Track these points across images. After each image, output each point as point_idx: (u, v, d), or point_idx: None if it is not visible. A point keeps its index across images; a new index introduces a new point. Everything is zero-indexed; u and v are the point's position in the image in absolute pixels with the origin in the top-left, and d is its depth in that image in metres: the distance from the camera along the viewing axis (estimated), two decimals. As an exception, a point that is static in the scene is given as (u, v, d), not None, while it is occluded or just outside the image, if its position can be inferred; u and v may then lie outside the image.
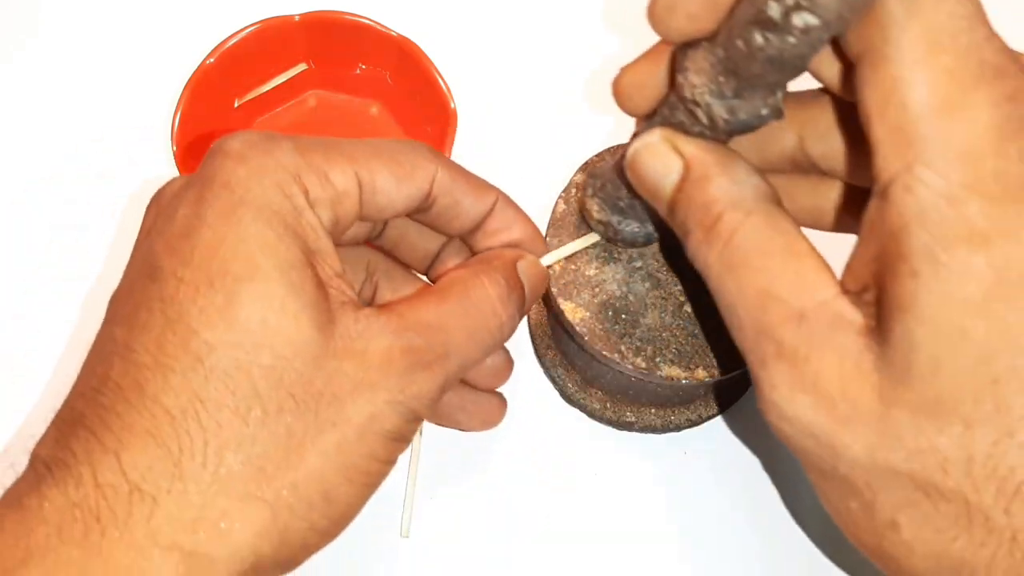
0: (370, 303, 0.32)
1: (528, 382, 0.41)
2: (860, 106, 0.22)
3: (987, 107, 0.20)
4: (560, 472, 0.39)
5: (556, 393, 0.41)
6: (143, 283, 0.24)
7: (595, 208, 0.32)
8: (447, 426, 0.34)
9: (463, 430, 0.34)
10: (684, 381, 0.33)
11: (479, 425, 0.34)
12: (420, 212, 0.29)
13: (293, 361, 0.23)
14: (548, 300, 0.34)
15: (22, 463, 0.24)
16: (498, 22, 0.49)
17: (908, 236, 0.21)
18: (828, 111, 0.27)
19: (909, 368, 0.21)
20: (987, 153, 0.20)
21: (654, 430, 0.40)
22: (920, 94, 0.20)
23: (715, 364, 0.33)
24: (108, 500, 0.22)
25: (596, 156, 0.36)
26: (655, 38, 0.25)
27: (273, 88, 0.45)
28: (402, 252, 0.32)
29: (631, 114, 0.28)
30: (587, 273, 0.34)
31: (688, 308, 0.34)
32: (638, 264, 0.34)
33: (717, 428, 0.40)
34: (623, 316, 0.33)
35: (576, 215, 0.35)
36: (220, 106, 0.43)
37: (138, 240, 0.26)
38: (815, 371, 0.23)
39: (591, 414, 0.40)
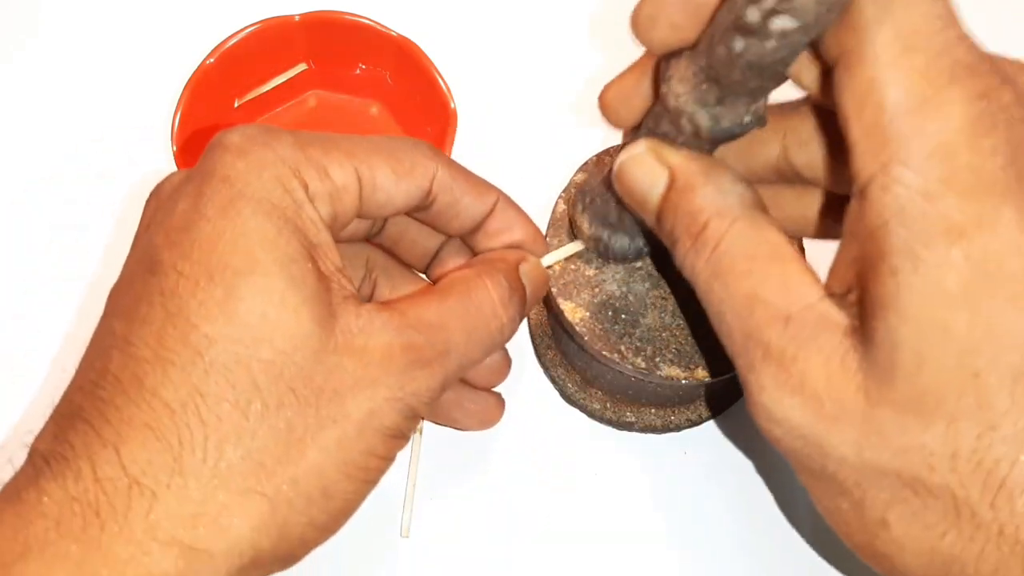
0: (369, 300, 0.32)
1: (528, 382, 0.40)
2: (838, 108, 0.22)
3: (960, 104, 0.20)
4: (560, 472, 0.39)
5: (556, 393, 0.41)
6: (143, 277, 0.24)
7: (585, 223, 0.32)
8: (445, 424, 0.34)
9: (461, 429, 0.34)
10: (684, 381, 0.33)
11: (477, 424, 0.34)
12: (420, 210, 0.29)
13: (293, 355, 0.23)
14: (548, 300, 0.34)
15: (20, 458, 0.24)
16: (498, 22, 0.49)
17: (887, 234, 0.21)
18: (809, 120, 0.28)
19: (893, 366, 0.22)
20: (961, 149, 0.20)
21: (654, 430, 0.40)
22: (895, 94, 0.21)
23: (715, 364, 0.33)
24: (107, 494, 0.22)
25: (595, 156, 0.36)
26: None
27: (273, 88, 0.45)
28: (401, 250, 0.32)
29: (617, 127, 0.29)
30: (587, 273, 0.34)
31: (688, 308, 0.34)
32: (638, 264, 0.34)
33: (717, 428, 0.40)
34: (623, 316, 0.33)
35: (576, 215, 0.35)
36: (220, 106, 0.43)
37: (138, 234, 0.26)
38: (801, 372, 0.23)
39: (591, 414, 0.40)
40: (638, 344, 0.33)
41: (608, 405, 0.39)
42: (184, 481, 0.22)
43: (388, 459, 0.25)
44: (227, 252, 0.23)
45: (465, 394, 0.33)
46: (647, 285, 0.34)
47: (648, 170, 0.27)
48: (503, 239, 0.30)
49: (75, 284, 0.42)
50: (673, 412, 0.39)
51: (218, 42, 0.42)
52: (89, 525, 0.22)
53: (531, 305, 0.30)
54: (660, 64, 0.26)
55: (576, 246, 0.33)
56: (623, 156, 0.27)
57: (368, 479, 0.25)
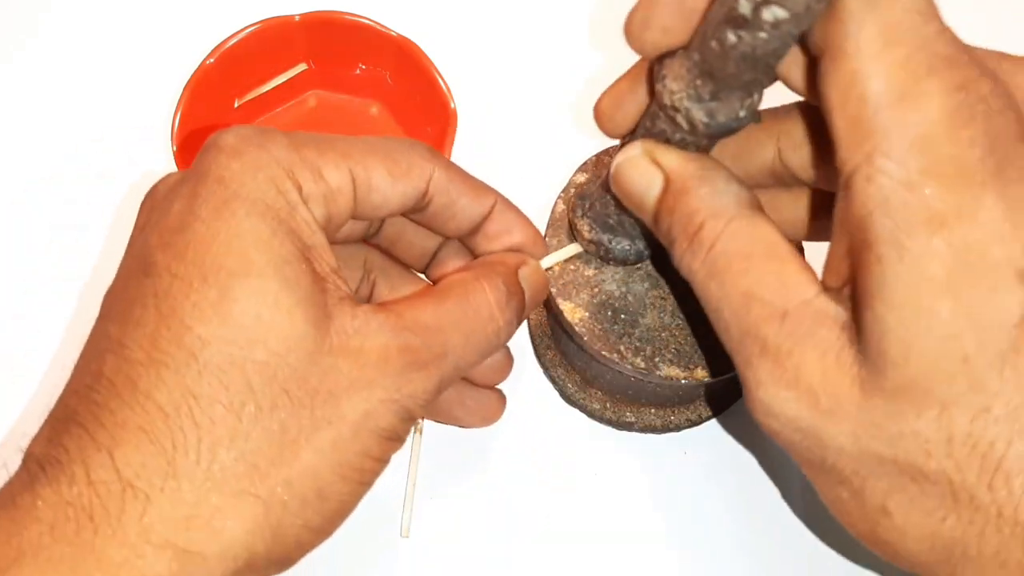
0: (367, 301, 0.32)
1: (528, 382, 0.41)
2: (823, 101, 0.23)
3: (939, 96, 0.21)
4: (560, 472, 0.39)
5: (556, 393, 0.41)
6: (137, 279, 0.24)
7: (585, 228, 0.32)
8: (446, 422, 0.34)
9: (462, 426, 0.34)
10: (683, 381, 0.33)
11: (479, 422, 0.34)
12: (416, 211, 0.29)
13: (287, 357, 0.23)
14: (547, 300, 0.34)
15: (15, 462, 0.24)
16: (498, 22, 0.49)
17: (871, 224, 0.22)
18: (802, 122, 0.28)
19: (883, 354, 0.22)
20: (941, 140, 0.21)
21: (654, 430, 0.40)
22: (877, 86, 0.21)
23: (714, 364, 0.33)
24: (101, 498, 0.22)
25: (595, 156, 0.36)
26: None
27: (273, 88, 0.45)
28: (400, 250, 0.32)
29: (612, 136, 0.29)
30: (586, 273, 0.34)
31: (687, 308, 0.34)
32: (637, 264, 0.34)
33: (717, 428, 0.40)
34: (622, 316, 0.33)
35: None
36: (220, 106, 0.43)
37: (133, 235, 0.26)
38: (797, 367, 0.23)
39: (591, 414, 0.40)
40: (637, 344, 0.33)
41: (608, 405, 0.39)
42: (177, 484, 0.22)
43: (383, 461, 0.25)
44: (221, 253, 0.23)
45: (467, 392, 0.33)
46: (646, 285, 0.34)
47: (643, 172, 0.27)
48: (502, 241, 0.30)
49: (75, 284, 0.42)
50: (673, 412, 0.39)
51: (218, 42, 0.42)
52: (83, 529, 0.22)
53: (530, 309, 0.30)
54: (653, 65, 0.26)
55: (575, 248, 0.33)
56: (619, 159, 0.28)
57: (363, 481, 0.25)
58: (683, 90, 0.25)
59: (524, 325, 0.41)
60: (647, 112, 0.27)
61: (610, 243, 0.32)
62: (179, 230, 0.24)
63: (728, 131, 0.25)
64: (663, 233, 0.27)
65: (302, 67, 0.45)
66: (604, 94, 0.28)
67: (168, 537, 0.22)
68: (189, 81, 0.41)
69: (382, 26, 0.43)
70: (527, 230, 0.31)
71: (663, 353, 0.33)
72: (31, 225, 0.43)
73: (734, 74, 0.23)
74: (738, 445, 0.40)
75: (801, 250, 0.34)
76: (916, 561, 0.24)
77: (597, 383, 0.39)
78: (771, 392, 0.24)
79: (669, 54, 0.25)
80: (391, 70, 0.45)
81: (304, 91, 0.46)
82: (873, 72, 0.21)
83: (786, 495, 0.39)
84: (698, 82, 0.24)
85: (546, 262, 0.32)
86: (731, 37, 0.22)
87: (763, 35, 0.22)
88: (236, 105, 0.44)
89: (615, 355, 0.33)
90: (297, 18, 0.43)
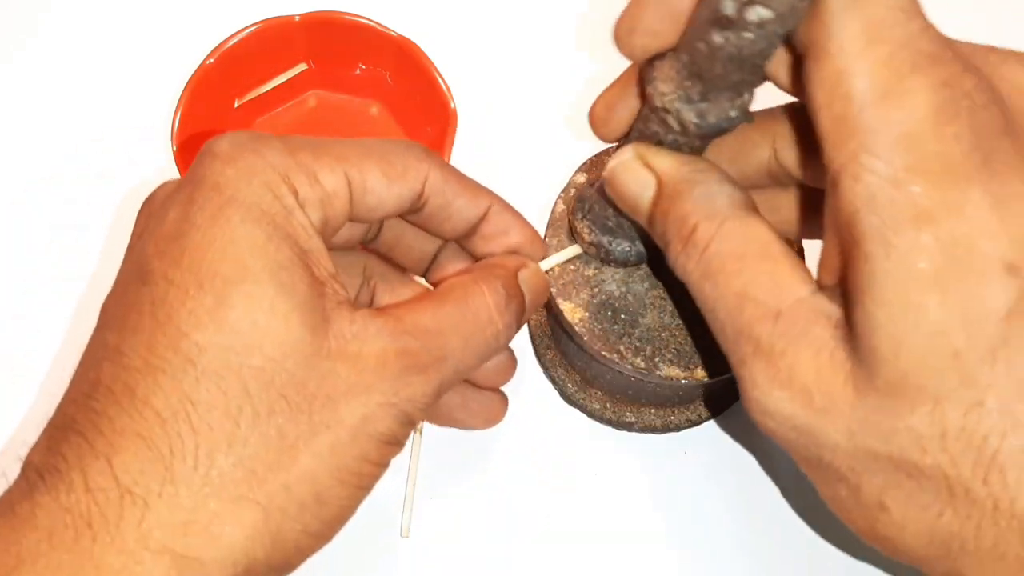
0: (368, 307, 0.32)
1: (528, 382, 0.41)
2: (809, 100, 0.23)
3: (924, 93, 0.21)
4: (560, 472, 0.39)
5: (556, 393, 0.41)
6: (134, 287, 0.24)
7: (585, 231, 0.32)
8: (448, 426, 0.34)
9: (465, 428, 0.34)
10: (683, 381, 0.33)
11: (481, 423, 0.34)
12: (412, 213, 0.29)
13: (284, 362, 0.23)
14: (547, 300, 0.34)
15: (15, 471, 0.24)
16: (498, 22, 0.49)
17: (859, 222, 0.22)
18: (796, 122, 0.28)
19: (873, 351, 0.22)
20: (926, 137, 0.21)
21: (654, 430, 0.40)
22: (861, 85, 0.21)
23: (714, 364, 0.33)
24: (99, 505, 0.22)
25: (595, 156, 0.36)
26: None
27: (273, 88, 0.45)
28: (399, 254, 0.32)
29: (607, 141, 0.29)
30: (586, 273, 0.34)
31: (687, 308, 0.34)
32: (637, 265, 0.34)
33: (717, 428, 0.40)
34: (622, 316, 0.33)
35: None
36: (220, 106, 0.43)
37: (130, 244, 0.26)
38: (790, 366, 0.23)
39: (591, 414, 0.40)
40: (637, 344, 0.33)
41: (608, 405, 0.39)
42: (175, 489, 0.22)
43: (382, 465, 0.25)
44: (217, 260, 0.23)
45: (469, 394, 0.33)
46: (646, 285, 0.34)
47: (636, 176, 0.27)
48: (499, 242, 0.30)
49: (75, 284, 0.42)
50: (673, 412, 0.39)
51: (218, 42, 0.42)
52: (81, 536, 0.22)
53: (530, 311, 0.30)
54: (643, 68, 0.26)
55: (575, 249, 0.33)
56: (612, 163, 0.28)
57: (362, 485, 0.25)
58: (673, 92, 0.25)
59: (524, 326, 0.41)
60: (640, 114, 0.27)
61: (610, 245, 0.32)
62: (175, 237, 0.24)
63: (719, 131, 0.26)
64: (658, 235, 0.27)
65: (302, 67, 0.45)
66: (597, 99, 0.29)
67: (166, 543, 0.22)
68: (189, 81, 0.41)
69: (382, 26, 0.43)
70: (524, 230, 0.31)
71: (663, 353, 0.33)
72: (31, 225, 0.43)
73: (722, 75, 0.23)
74: (738, 445, 0.40)
75: (802, 249, 0.34)
76: (915, 556, 0.24)
77: (597, 383, 0.39)
78: (766, 391, 0.24)
79: (658, 56, 0.25)
80: (391, 70, 0.45)
81: (304, 91, 0.46)
82: (857, 71, 0.21)
83: (786, 493, 0.39)
84: (687, 83, 0.24)
85: (547, 264, 0.32)
86: (717, 38, 0.22)
87: (748, 35, 0.22)
88: (236, 105, 0.44)
89: (615, 355, 0.33)
90: (297, 18, 0.43)
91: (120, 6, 0.49)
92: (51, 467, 0.23)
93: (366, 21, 0.43)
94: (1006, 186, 0.21)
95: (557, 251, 0.34)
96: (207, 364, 0.23)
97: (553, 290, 0.33)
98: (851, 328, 0.23)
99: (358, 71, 0.45)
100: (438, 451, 0.38)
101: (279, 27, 0.42)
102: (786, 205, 0.31)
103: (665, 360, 0.33)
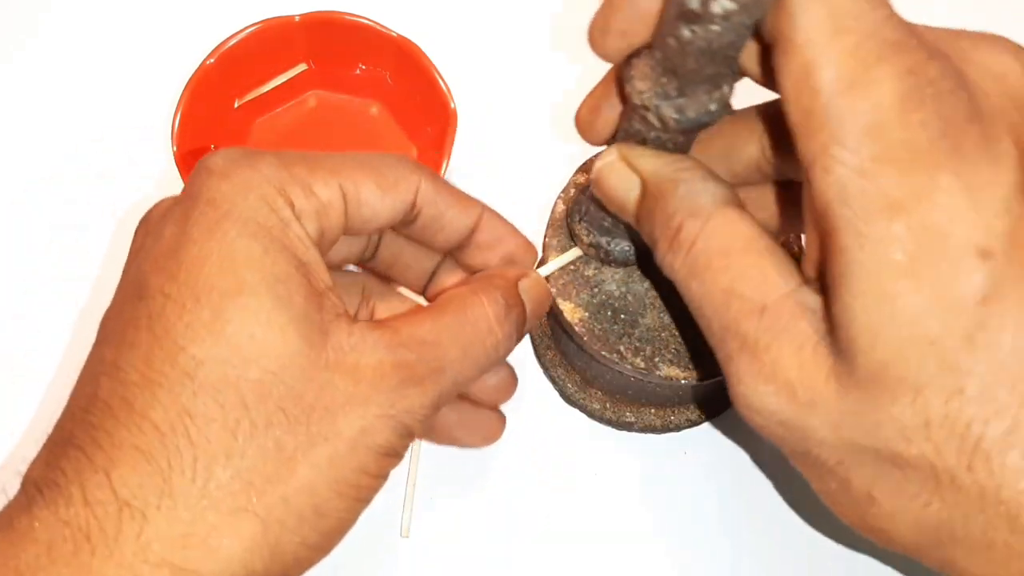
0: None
1: (528, 382, 0.40)
2: (779, 92, 0.23)
3: (889, 82, 0.21)
4: (560, 472, 0.39)
5: (556, 393, 0.41)
6: (131, 302, 0.24)
7: (583, 232, 0.32)
8: (446, 443, 0.34)
9: (462, 446, 0.34)
10: (683, 381, 0.33)
11: (479, 441, 0.34)
12: (405, 225, 0.29)
13: (281, 375, 0.23)
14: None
15: (14, 486, 0.24)
16: (498, 22, 0.49)
17: (832, 214, 0.22)
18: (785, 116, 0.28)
19: (852, 343, 0.22)
20: (893, 126, 0.21)
21: (654, 430, 0.40)
22: (827, 76, 0.21)
23: (710, 365, 0.33)
24: (98, 518, 0.22)
25: (595, 156, 0.36)
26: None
27: (273, 88, 0.45)
28: (397, 272, 0.32)
29: (594, 144, 0.29)
30: (586, 273, 0.34)
31: (685, 308, 0.34)
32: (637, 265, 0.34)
33: (717, 428, 0.40)
34: (622, 316, 0.33)
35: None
36: (220, 106, 0.43)
37: (127, 261, 0.26)
38: (774, 361, 0.24)
39: (591, 414, 0.40)
40: (637, 344, 0.33)
41: (608, 405, 0.39)
42: (174, 502, 0.22)
43: (381, 477, 0.25)
44: (213, 274, 0.23)
45: (467, 412, 0.33)
46: (646, 285, 0.34)
47: (621, 177, 0.27)
48: (493, 251, 0.30)
49: (75, 284, 0.42)
50: (673, 412, 0.39)
51: (218, 42, 0.42)
52: (80, 550, 0.22)
53: (532, 321, 0.30)
54: (621, 68, 0.26)
55: (576, 252, 0.33)
56: (598, 164, 0.28)
57: (360, 497, 0.25)
58: (650, 89, 0.25)
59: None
60: (623, 113, 0.28)
61: (609, 245, 0.32)
62: (172, 252, 0.24)
63: (700, 125, 0.26)
64: (646, 235, 0.27)
65: (302, 67, 0.45)
66: (581, 104, 0.29)
67: (165, 556, 0.22)
68: (189, 81, 0.41)
69: (382, 26, 0.43)
70: (516, 238, 0.31)
71: (663, 353, 0.33)
72: (31, 225, 0.43)
73: (695, 69, 0.24)
74: (738, 445, 0.40)
75: (801, 247, 0.34)
76: (907, 546, 0.24)
77: (597, 383, 0.39)
78: (751, 387, 0.24)
79: (635, 54, 0.25)
80: (391, 70, 0.45)
81: (304, 91, 0.46)
82: (823, 62, 0.21)
83: (785, 493, 0.39)
84: (663, 80, 0.25)
85: (548, 268, 0.32)
86: (686, 33, 0.22)
87: (716, 28, 0.22)
88: (236, 105, 0.44)
89: (615, 355, 0.33)
90: (297, 18, 0.43)
91: (120, 6, 0.49)
92: (50, 481, 0.23)
93: (366, 21, 0.43)
94: (975, 171, 0.21)
95: (557, 251, 0.34)
96: (204, 377, 0.23)
97: (553, 290, 0.33)
98: (830, 321, 0.23)
99: (358, 71, 0.45)
100: (438, 451, 0.38)
101: (279, 27, 0.42)
102: (777, 201, 0.31)
103: (665, 360, 0.33)
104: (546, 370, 0.41)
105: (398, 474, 0.37)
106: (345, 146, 0.45)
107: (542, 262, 0.34)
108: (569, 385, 0.40)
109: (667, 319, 0.33)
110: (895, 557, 0.25)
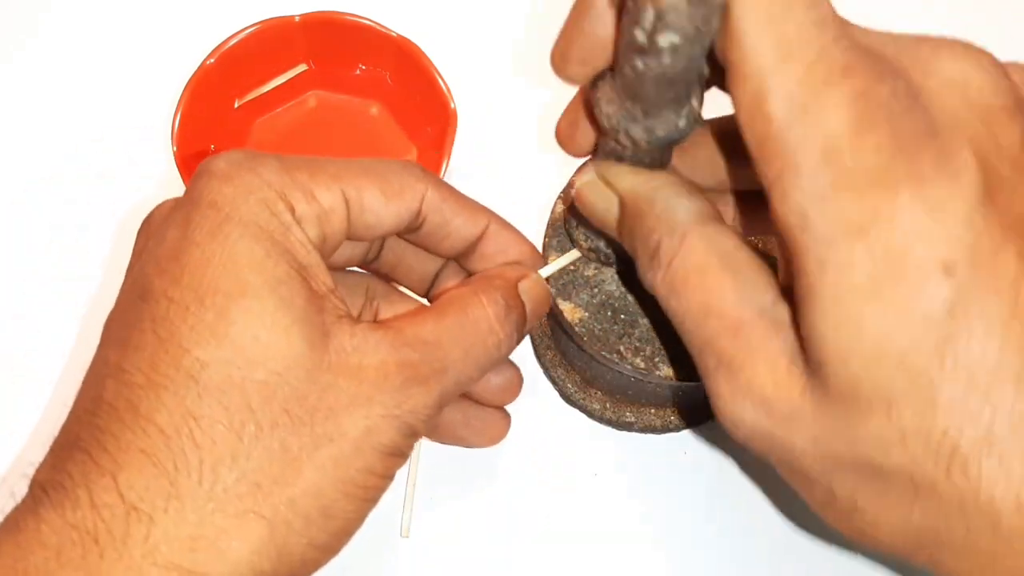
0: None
1: (528, 382, 0.40)
2: (737, 120, 0.23)
3: (840, 108, 0.21)
4: (560, 472, 0.39)
5: (556, 394, 0.41)
6: (135, 305, 0.24)
7: (582, 238, 0.32)
8: (451, 443, 0.34)
9: (467, 446, 0.34)
10: (683, 381, 0.33)
11: (485, 441, 0.34)
12: (411, 231, 0.29)
13: (286, 376, 0.23)
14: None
15: (22, 489, 0.24)
16: (498, 22, 0.49)
17: (793, 239, 0.22)
18: None
19: (823, 363, 0.22)
20: (847, 150, 0.21)
21: (654, 430, 0.40)
22: (778, 105, 0.21)
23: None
24: (105, 521, 0.22)
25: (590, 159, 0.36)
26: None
27: (273, 88, 0.45)
28: (400, 275, 0.32)
29: (576, 156, 0.29)
30: (586, 273, 0.34)
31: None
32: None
33: (717, 428, 0.40)
34: (622, 316, 0.33)
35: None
36: (220, 106, 0.43)
37: (130, 263, 0.26)
38: (749, 379, 0.24)
39: (591, 414, 0.40)
40: (637, 344, 0.33)
41: (608, 405, 0.39)
42: (181, 505, 0.22)
43: (387, 477, 0.25)
44: (216, 276, 0.23)
45: (472, 412, 0.33)
46: (647, 285, 0.34)
47: (600, 196, 0.28)
48: (499, 260, 0.31)
49: (75, 284, 0.42)
50: (673, 412, 0.39)
51: (218, 42, 0.42)
52: (88, 552, 0.22)
53: (532, 321, 0.30)
54: (587, 92, 0.26)
55: (576, 254, 0.33)
56: (577, 183, 0.28)
57: (367, 498, 0.25)
58: (616, 112, 0.25)
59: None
60: (597, 133, 0.28)
61: (608, 248, 0.32)
62: (174, 255, 0.24)
63: (672, 142, 0.26)
64: (628, 250, 0.28)
65: (302, 67, 0.45)
66: (560, 118, 0.29)
67: (173, 559, 0.22)
68: (189, 81, 0.41)
69: (382, 26, 0.43)
70: (522, 247, 0.31)
71: (663, 353, 0.33)
72: (31, 225, 0.43)
73: (656, 94, 0.24)
74: (738, 445, 0.40)
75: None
76: (895, 550, 0.24)
77: (597, 383, 0.39)
78: (730, 402, 0.24)
79: (600, 76, 0.25)
80: (391, 70, 0.45)
81: (304, 91, 0.46)
82: (773, 90, 0.21)
83: (784, 493, 0.39)
84: (628, 104, 0.25)
85: (548, 269, 0.32)
86: (639, 64, 0.22)
87: (667, 60, 0.22)
88: (236, 105, 0.44)
89: (615, 355, 0.33)
90: (297, 18, 0.43)
91: (120, 6, 0.49)
92: (56, 484, 0.23)
93: (366, 21, 0.43)
94: (934, 188, 0.21)
95: (557, 251, 0.34)
96: (209, 380, 0.23)
97: (553, 290, 0.33)
98: (802, 340, 0.23)
99: (358, 71, 0.45)
100: (438, 451, 0.38)
101: (279, 27, 0.42)
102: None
103: (665, 360, 0.33)
104: (546, 370, 0.41)
105: (398, 474, 0.37)
106: (345, 146, 0.45)
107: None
108: (569, 385, 0.40)
109: (667, 319, 0.33)
110: (890, 560, 0.25)
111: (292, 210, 0.25)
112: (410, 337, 0.26)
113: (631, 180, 0.27)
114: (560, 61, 0.25)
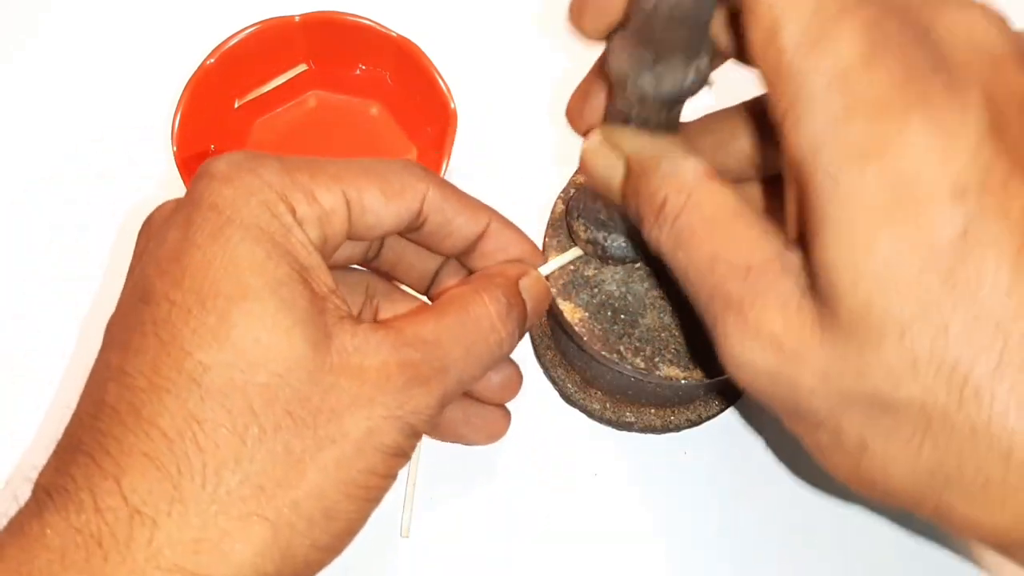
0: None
1: (528, 382, 0.40)
2: (750, 55, 0.23)
3: (851, 37, 0.22)
4: (560, 472, 0.39)
5: (556, 394, 0.41)
6: (136, 307, 0.24)
7: (581, 228, 0.32)
8: (451, 441, 0.34)
9: (468, 444, 0.34)
10: (683, 381, 0.33)
11: (485, 439, 0.34)
12: (412, 231, 0.29)
13: (288, 378, 0.23)
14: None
15: (25, 493, 0.24)
16: (498, 22, 0.49)
17: (806, 165, 0.22)
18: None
19: (833, 288, 0.22)
20: (859, 76, 0.21)
21: (654, 430, 0.40)
22: (792, 35, 0.22)
23: (714, 364, 0.33)
24: (109, 524, 0.22)
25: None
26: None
27: (273, 88, 0.45)
28: (400, 272, 0.32)
29: (583, 134, 0.30)
30: (586, 273, 0.34)
31: (686, 308, 0.34)
32: (636, 264, 0.34)
33: (717, 428, 0.40)
34: (622, 316, 0.33)
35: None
36: (220, 106, 0.43)
37: (131, 266, 0.26)
38: (758, 317, 0.24)
39: (591, 414, 0.40)
40: (637, 344, 0.33)
41: (608, 405, 0.39)
42: (184, 508, 0.22)
43: (389, 477, 0.25)
44: (218, 279, 0.23)
45: (472, 410, 0.33)
46: (646, 285, 0.34)
47: (605, 159, 0.28)
48: (499, 259, 0.31)
49: (75, 285, 0.42)
50: (673, 412, 0.39)
51: (218, 42, 0.42)
52: (92, 556, 0.22)
53: (533, 319, 0.30)
54: (604, 50, 0.27)
55: (576, 252, 0.33)
56: (583, 147, 0.29)
57: (370, 498, 0.25)
58: (627, 60, 0.25)
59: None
60: (607, 95, 0.28)
61: (606, 241, 0.32)
62: (175, 258, 0.24)
63: (680, 98, 0.26)
64: (632, 214, 0.28)
65: (302, 67, 0.45)
66: (572, 96, 0.29)
67: (177, 562, 0.22)
68: (189, 81, 0.41)
69: (382, 26, 0.43)
70: (523, 245, 0.31)
71: (663, 353, 0.33)
72: (31, 225, 0.43)
73: (667, 37, 0.24)
74: (738, 444, 0.40)
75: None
76: (902, 495, 0.24)
77: (597, 383, 0.39)
78: (738, 344, 0.24)
79: (614, 32, 0.26)
80: (391, 70, 0.45)
81: (304, 91, 0.46)
82: (786, 22, 0.22)
83: (784, 494, 0.39)
84: (639, 50, 0.25)
85: (548, 268, 0.32)
86: (650, 1, 0.23)
87: None
88: (236, 105, 0.44)
89: (615, 355, 0.33)
90: (297, 18, 0.43)
91: (120, 6, 0.49)
92: (59, 488, 0.23)
93: (366, 21, 0.43)
94: (944, 117, 0.21)
95: (557, 250, 0.34)
96: (211, 383, 0.23)
97: (553, 290, 0.33)
98: (811, 272, 0.23)
99: (358, 71, 0.45)
100: (438, 451, 0.38)
101: (279, 27, 0.42)
102: (764, 197, 0.31)
103: (665, 360, 0.33)
104: (546, 370, 0.41)
105: (399, 474, 0.37)
106: (345, 146, 0.45)
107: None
108: (569, 385, 0.40)
109: (667, 319, 0.33)
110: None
111: (293, 211, 0.25)
112: (411, 337, 0.26)
113: (637, 140, 0.27)
114: (577, 13, 0.26)
